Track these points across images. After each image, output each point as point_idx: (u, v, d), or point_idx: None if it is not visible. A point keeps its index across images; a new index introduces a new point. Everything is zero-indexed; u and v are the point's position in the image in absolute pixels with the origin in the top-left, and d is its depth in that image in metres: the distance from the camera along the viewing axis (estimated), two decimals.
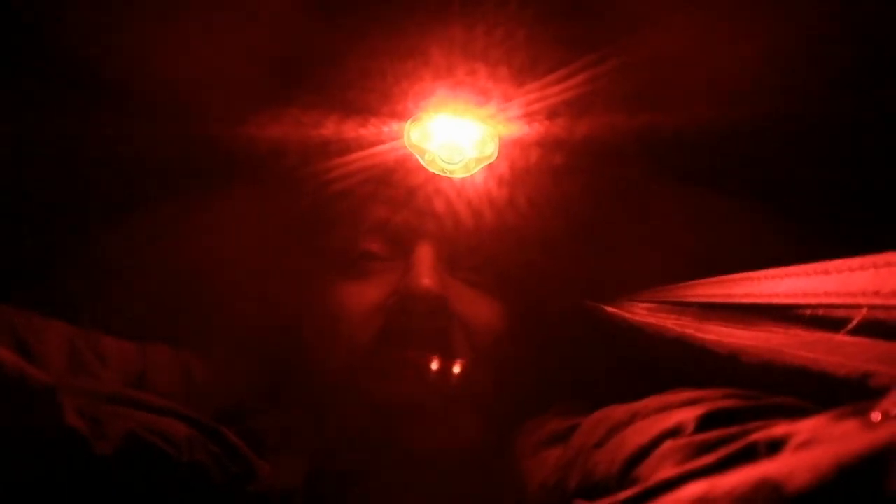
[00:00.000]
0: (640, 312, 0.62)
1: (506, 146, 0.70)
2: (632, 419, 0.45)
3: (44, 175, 0.71)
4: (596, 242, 0.75)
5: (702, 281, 0.58)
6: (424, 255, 0.68)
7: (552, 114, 0.68)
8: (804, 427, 0.28)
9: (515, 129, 0.69)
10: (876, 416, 0.24)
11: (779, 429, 0.30)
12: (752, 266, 0.51)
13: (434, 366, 0.67)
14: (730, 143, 0.69)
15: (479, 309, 0.71)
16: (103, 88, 0.69)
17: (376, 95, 0.69)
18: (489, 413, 0.70)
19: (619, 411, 0.48)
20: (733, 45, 0.64)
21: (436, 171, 0.70)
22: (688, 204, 0.73)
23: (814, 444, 0.26)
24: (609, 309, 0.66)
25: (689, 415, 0.39)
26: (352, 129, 0.70)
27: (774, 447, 0.29)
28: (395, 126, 0.70)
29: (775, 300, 0.47)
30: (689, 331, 0.52)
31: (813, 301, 0.44)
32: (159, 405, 0.50)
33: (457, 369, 0.68)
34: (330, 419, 0.69)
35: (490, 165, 0.70)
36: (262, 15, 0.68)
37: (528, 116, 0.68)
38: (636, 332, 0.59)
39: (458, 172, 0.70)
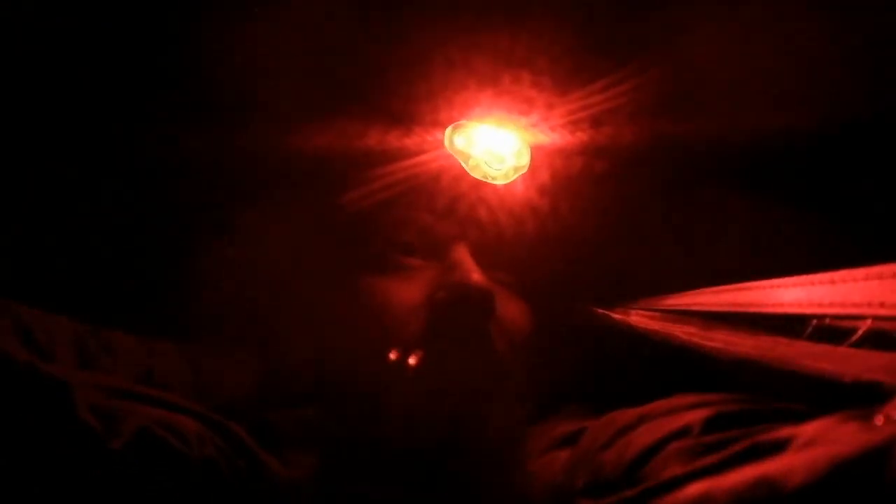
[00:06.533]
0: (647, 320, 0.63)
1: (546, 154, 0.71)
2: (639, 421, 0.46)
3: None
4: (628, 249, 0.75)
5: (708, 289, 0.59)
6: (465, 255, 0.69)
7: (594, 122, 0.69)
8: (807, 429, 0.28)
9: (556, 137, 0.70)
10: (879, 419, 0.25)
11: (783, 431, 0.30)
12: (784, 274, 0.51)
13: (480, 359, 0.67)
14: (769, 150, 0.70)
15: (512, 308, 0.71)
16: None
17: (420, 104, 0.69)
18: (522, 410, 0.71)
19: (626, 414, 0.48)
20: (773, 52, 0.64)
21: (478, 177, 0.70)
22: (723, 210, 0.73)
23: (814, 445, 0.26)
24: (616, 316, 0.66)
25: (695, 417, 0.39)
26: (395, 138, 0.71)
27: (777, 448, 0.29)
28: (438, 135, 0.70)
29: (781, 310, 0.47)
30: (695, 339, 0.53)
31: (818, 311, 0.44)
32: (169, 400, 0.51)
33: (498, 364, 0.68)
34: (359, 414, 0.68)
35: (530, 173, 0.70)
36: (307, 24, 0.69)
37: (570, 125, 0.69)
38: (642, 340, 0.60)
39: (499, 179, 0.71)
